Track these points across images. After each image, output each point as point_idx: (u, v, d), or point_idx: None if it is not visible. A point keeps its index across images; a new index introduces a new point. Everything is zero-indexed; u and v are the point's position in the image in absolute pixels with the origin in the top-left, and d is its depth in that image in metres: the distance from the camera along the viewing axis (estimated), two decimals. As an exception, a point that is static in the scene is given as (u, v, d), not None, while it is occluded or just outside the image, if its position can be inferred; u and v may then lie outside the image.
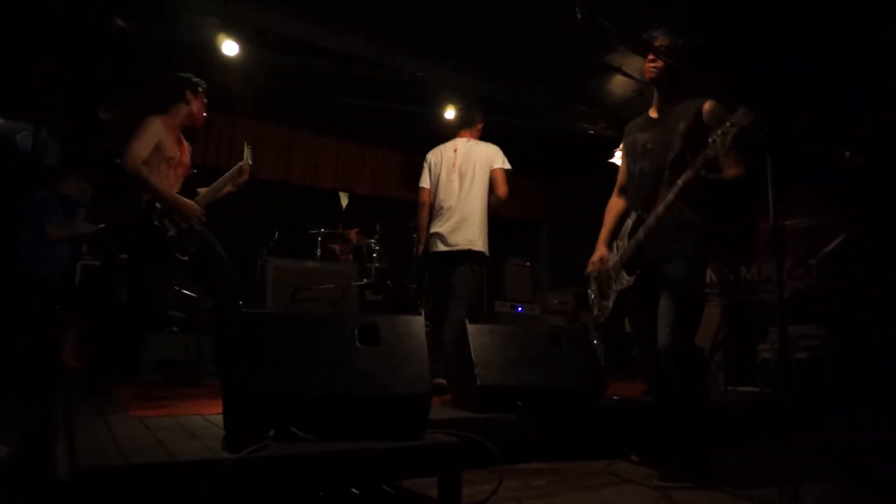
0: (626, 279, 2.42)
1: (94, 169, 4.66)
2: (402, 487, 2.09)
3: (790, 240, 4.79)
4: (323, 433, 1.75)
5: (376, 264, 5.15)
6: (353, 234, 5.41)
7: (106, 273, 4.51)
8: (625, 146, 2.64)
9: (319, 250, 5.32)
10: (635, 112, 2.67)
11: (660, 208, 2.27)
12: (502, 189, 3.59)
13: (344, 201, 5.80)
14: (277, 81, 5.16)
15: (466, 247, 3.48)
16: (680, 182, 2.19)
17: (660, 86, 2.47)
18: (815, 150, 4.49)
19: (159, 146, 2.96)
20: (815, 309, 4.44)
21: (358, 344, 1.90)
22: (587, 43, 4.41)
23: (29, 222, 4.21)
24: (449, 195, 3.58)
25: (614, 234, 2.64)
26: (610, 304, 2.53)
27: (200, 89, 3.22)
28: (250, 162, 3.26)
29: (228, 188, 3.25)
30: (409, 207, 5.39)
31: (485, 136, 3.83)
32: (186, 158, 3.18)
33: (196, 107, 3.20)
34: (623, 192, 2.71)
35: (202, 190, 3.20)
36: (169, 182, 3.02)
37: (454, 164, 3.63)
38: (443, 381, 3.11)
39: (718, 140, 2.06)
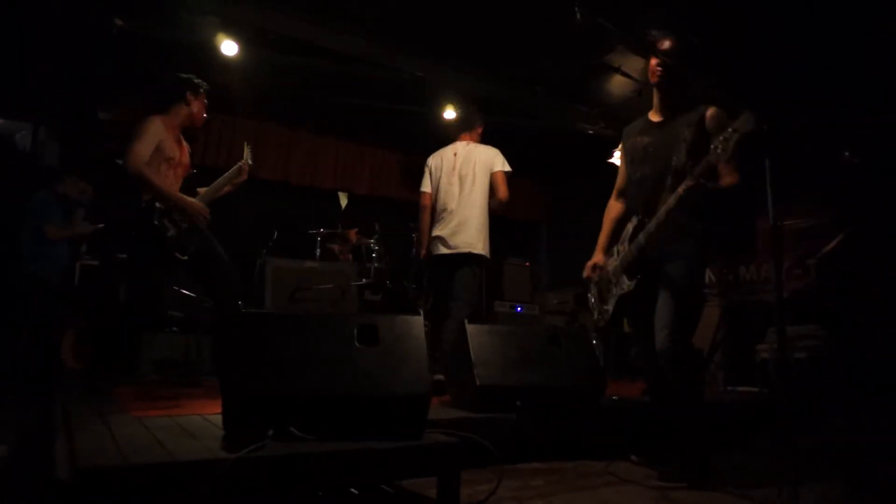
0: (628, 284, 2.42)
1: (93, 169, 4.66)
2: (401, 487, 2.09)
3: (789, 240, 4.79)
4: (322, 433, 1.75)
5: (375, 264, 5.14)
6: (352, 234, 5.41)
7: (105, 273, 4.51)
8: (624, 149, 2.64)
9: (319, 250, 5.31)
10: (634, 112, 2.66)
11: (661, 213, 2.27)
12: (503, 192, 3.60)
13: (343, 201, 5.80)
14: (277, 81, 5.16)
15: (467, 250, 3.49)
16: (681, 190, 2.19)
17: (662, 88, 2.47)
18: (814, 150, 4.50)
19: (160, 146, 2.97)
20: (813, 309, 4.44)
21: (357, 344, 1.90)
22: (587, 43, 4.40)
23: (28, 222, 4.21)
24: (449, 198, 3.60)
25: (613, 238, 2.64)
26: (610, 307, 2.53)
27: (201, 90, 3.22)
28: (250, 162, 3.26)
29: (227, 188, 3.26)
30: (408, 207, 5.40)
31: (485, 136, 3.83)
32: (186, 158, 3.19)
33: (196, 107, 3.20)
34: (622, 194, 2.71)
35: (202, 190, 3.20)
36: (169, 182, 3.02)
37: (454, 168, 3.64)
38: (441, 377, 3.12)
39: (720, 146, 2.06)
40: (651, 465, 2.45)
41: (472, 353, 2.62)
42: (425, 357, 1.93)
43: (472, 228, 3.51)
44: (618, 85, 5.19)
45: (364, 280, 4.94)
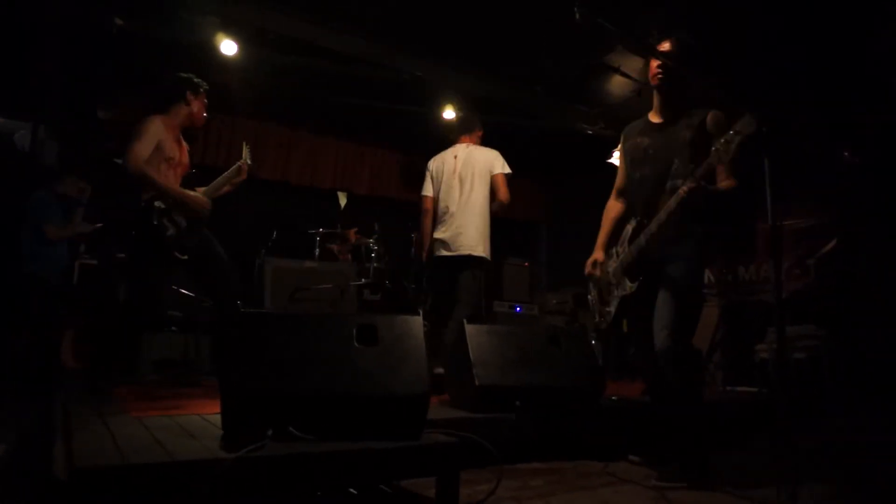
0: (629, 285, 2.42)
1: (92, 168, 4.66)
2: (400, 487, 2.09)
3: (789, 240, 4.79)
4: (321, 433, 1.75)
5: (375, 264, 5.14)
6: (351, 233, 5.41)
7: (104, 272, 4.52)
8: (624, 150, 2.63)
9: (318, 250, 5.31)
10: (634, 112, 2.66)
11: (661, 214, 2.27)
12: (504, 194, 3.61)
13: (343, 201, 5.80)
14: (277, 81, 5.16)
15: (467, 252, 3.50)
16: (682, 192, 2.19)
17: (663, 90, 2.47)
18: (814, 150, 4.50)
19: (160, 146, 2.97)
20: (813, 309, 4.45)
21: (356, 344, 1.90)
22: (587, 43, 4.41)
23: (28, 222, 4.21)
24: (450, 201, 3.61)
25: (612, 238, 2.64)
26: (612, 309, 2.53)
27: (202, 90, 3.22)
28: (249, 162, 3.27)
29: (226, 188, 3.26)
30: (408, 207, 5.40)
31: (485, 137, 3.84)
32: (186, 158, 3.19)
33: (196, 107, 3.20)
34: (621, 194, 2.71)
35: (201, 189, 3.20)
36: (169, 182, 3.02)
37: (454, 171, 3.65)
38: (441, 370, 3.12)
39: (721, 148, 2.06)
40: (650, 465, 2.45)
41: (471, 353, 2.62)
42: (424, 357, 1.93)
43: (472, 231, 3.52)
44: (618, 85, 5.19)
45: (363, 280, 4.94)
